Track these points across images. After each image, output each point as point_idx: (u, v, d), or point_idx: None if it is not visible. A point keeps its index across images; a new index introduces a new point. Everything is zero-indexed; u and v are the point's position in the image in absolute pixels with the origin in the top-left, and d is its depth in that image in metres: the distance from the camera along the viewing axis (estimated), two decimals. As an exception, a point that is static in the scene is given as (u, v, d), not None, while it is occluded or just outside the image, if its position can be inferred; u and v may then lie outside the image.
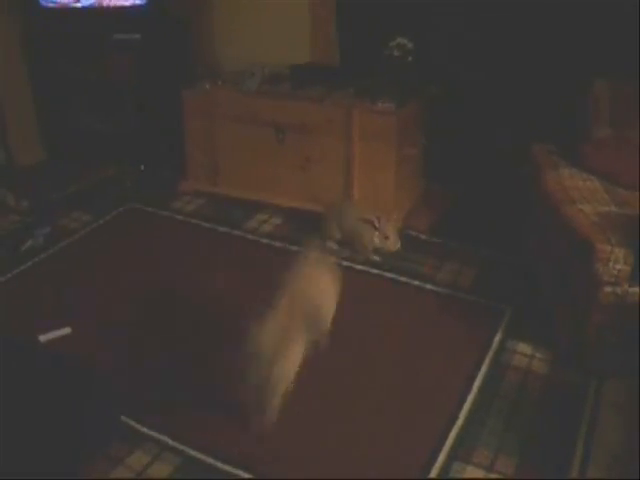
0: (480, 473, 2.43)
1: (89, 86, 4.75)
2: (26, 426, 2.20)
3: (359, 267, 3.70)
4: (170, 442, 2.55)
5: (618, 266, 2.66)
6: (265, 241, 3.95)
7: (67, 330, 3.13)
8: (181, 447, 2.52)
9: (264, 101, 4.12)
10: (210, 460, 2.47)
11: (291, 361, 2.48)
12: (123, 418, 2.63)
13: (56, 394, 2.32)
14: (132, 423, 2.62)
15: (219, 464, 2.46)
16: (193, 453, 2.50)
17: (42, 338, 3.06)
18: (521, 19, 3.86)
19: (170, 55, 4.65)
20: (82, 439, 2.38)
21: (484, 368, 2.92)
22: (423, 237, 3.97)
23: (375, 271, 3.66)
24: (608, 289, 2.71)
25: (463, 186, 4.24)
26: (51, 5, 4.56)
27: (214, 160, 4.36)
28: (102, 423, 2.55)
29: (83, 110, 4.87)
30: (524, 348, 3.05)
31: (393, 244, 3.71)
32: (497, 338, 3.11)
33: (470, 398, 2.76)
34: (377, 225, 3.67)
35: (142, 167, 4.73)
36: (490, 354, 3.00)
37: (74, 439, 2.34)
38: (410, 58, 3.98)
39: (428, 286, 3.50)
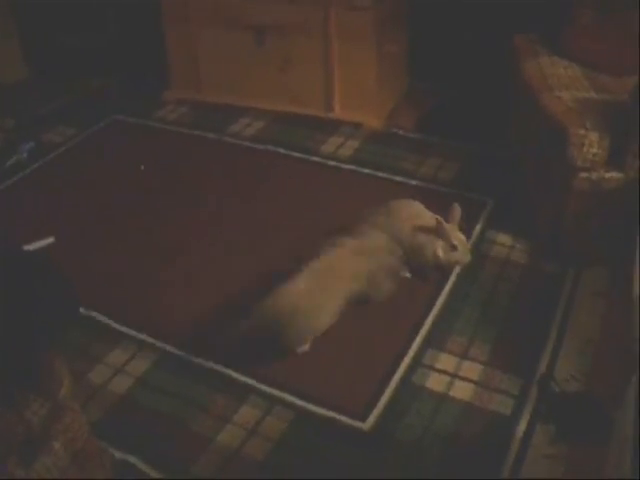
0: (453, 360, 2.47)
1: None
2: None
3: (345, 166, 3.66)
4: (148, 339, 2.62)
5: (593, 150, 2.63)
6: (247, 144, 3.92)
7: (50, 240, 3.18)
8: (159, 344, 2.59)
9: (241, 3, 3.99)
10: (185, 355, 2.54)
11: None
12: (95, 314, 2.72)
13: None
14: (110, 322, 2.70)
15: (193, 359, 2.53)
16: (169, 349, 2.56)
17: (27, 248, 3.09)
18: None
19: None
20: (38, 326, 2.45)
21: (463, 258, 2.93)
22: (406, 134, 3.91)
23: (356, 168, 3.62)
24: (583, 175, 2.68)
25: (448, 82, 4.16)
26: None
27: (195, 67, 4.28)
28: (59, 313, 2.61)
29: (62, 25, 4.76)
30: (504, 239, 3.06)
31: (463, 255, 2.77)
32: (477, 229, 3.11)
33: (447, 287, 2.79)
34: (439, 232, 2.73)
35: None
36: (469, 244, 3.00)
37: (30, 326, 2.40)
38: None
39: (411, 182, 3.48)
